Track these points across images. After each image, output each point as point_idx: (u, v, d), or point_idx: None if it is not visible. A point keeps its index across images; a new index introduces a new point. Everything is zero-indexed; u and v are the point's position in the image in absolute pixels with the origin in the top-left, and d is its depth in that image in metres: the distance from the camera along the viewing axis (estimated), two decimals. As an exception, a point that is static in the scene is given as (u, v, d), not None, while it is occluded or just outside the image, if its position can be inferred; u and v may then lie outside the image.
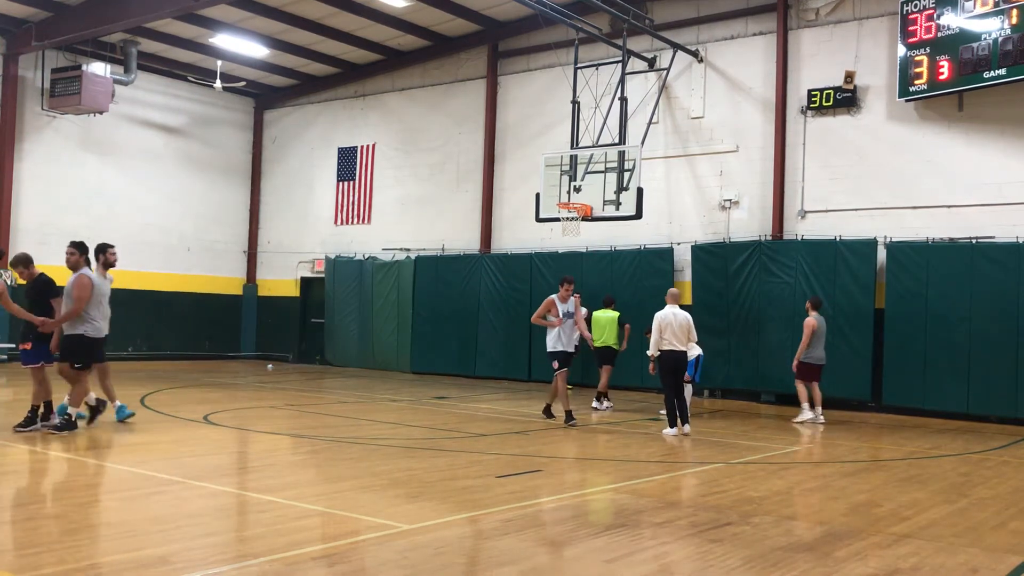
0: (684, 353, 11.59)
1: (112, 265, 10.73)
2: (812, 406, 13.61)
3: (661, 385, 11.95)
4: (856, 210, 16.02)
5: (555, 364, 12.39)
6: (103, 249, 10.71)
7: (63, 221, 21.04)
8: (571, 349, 12.68)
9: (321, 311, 23.38)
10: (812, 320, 13.66)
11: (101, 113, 20.60)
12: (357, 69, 23.06)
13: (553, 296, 12.64)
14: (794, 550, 5.83)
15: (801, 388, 13.70)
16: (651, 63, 18.30)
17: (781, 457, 10.29)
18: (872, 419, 14.55)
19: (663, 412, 13.71)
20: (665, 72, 18.11)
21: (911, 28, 15.16)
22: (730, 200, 17.42)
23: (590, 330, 14.21)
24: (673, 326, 11.38)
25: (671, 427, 11.58)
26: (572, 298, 12.64)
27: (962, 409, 14.56)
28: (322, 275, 23.45)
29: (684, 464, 9.62)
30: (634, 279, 17.94)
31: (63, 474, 7.79)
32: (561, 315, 12.35)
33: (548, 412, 12.89)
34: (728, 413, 14.78)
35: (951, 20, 14.68)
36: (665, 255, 17.73)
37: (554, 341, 12.42)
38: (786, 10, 16.94)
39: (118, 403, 10.89)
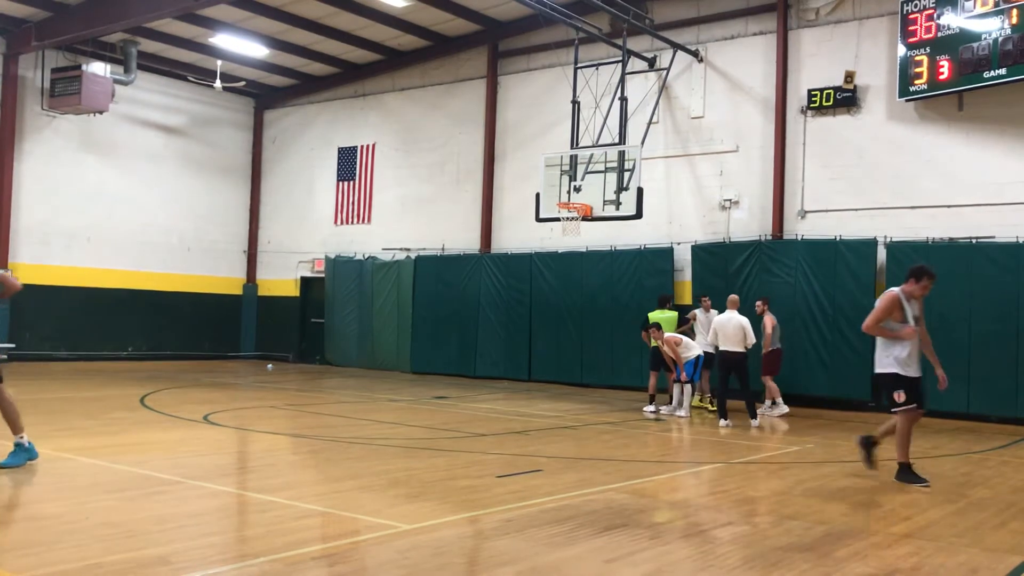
0: (739, 354, 12.86)
1: None
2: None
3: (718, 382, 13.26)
4: (856, 210, 16.01)
5: (899, 395, 8.17)
6: None
7: (63, 221, 21.08)
8: (919, 373, 8.34)
9: (321, 311, 23.37)
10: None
11: (101, 113, 20.59)
12: (357, 69, 23.06)
13: (897, 290, 8.31)
14: (794, 550, 5.82)
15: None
16: (651, 63, 18.30)
17: (781, 457, 10.29)
18: (872, 419, 14.50)
19: (671, 411, 13.84)
20: (665, 72, 18.11)
21: (911, 28, 15.15)
22: (730, 200, 17.41)
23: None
24: (727, 329, 12.82)
25: (723, 419, 12.85)
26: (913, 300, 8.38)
27: (962, 409, 14.53)
28: (322, 275, 23.45)
29: (684, 464, 9.61)
30: (634, 279, 17.93)
31: (63, 474, 7.78)
32: (911, 321, 8.24)
33: (869, 455, 8.61)
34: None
35: (951, 20, 14.67)
36: (665, 255, 17.72)
37: (897, 359, 8.18)
38: (786, 10, 16.93)
39: None
